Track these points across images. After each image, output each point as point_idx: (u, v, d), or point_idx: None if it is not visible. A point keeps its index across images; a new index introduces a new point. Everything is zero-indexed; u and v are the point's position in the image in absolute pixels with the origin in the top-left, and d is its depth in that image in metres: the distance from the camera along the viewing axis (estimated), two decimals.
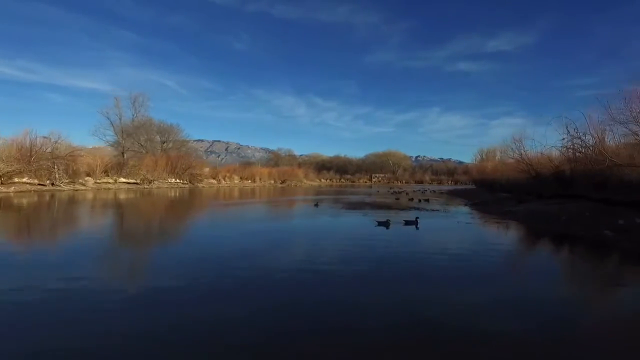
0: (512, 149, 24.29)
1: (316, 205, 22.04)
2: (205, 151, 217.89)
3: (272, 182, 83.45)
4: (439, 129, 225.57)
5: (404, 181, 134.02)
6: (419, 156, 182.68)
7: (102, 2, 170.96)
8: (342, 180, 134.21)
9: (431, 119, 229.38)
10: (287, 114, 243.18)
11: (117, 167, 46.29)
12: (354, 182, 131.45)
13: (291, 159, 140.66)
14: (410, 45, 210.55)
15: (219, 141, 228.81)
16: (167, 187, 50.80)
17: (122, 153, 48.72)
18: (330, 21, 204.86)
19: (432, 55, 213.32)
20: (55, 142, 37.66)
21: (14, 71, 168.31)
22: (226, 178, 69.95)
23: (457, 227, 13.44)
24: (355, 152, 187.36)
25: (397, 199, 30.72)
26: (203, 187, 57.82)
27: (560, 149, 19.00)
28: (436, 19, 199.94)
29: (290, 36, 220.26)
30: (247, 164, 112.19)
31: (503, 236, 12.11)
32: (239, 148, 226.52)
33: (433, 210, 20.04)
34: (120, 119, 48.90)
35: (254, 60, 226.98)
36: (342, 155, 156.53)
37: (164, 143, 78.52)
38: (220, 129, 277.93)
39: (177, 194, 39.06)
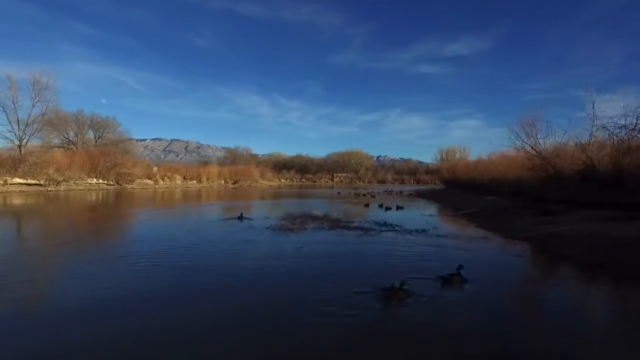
0: (516, 138, 18.28)
1: (240, 218, 14.78)
2: (163, 150, 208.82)
3: (223, 182, 74.55)
4: (401, 130, 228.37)
5: (366, 181, 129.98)
6: (380, 156, 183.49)
7: None
8: (302, 180, 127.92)
9: (393, 119, 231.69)
10: (250, 112, 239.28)
11: (10, 165, 35.95)
12: (315, 182, 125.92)
13: (249, 157, 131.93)
14: (374, 47, 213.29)
15: (178, 140, 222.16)
16: (83, 190, 40.97)
17: (19, 147, 38.14)
18: (295, 20, 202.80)
19: (395, 57, 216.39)
20: None
21: None
22: (165, 178, 60.25)
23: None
24: (320, 152, 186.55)
25: (367, 205, 24.05)
26: (133, 189, 48.24)
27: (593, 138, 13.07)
28: (399, 22, 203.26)
29: (254, 34, 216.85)
30: (204, 163, 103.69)
31: None
32: (199, 147, 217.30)
33: (435, 234, 13.60)
34: (14, 103, 37.90)
35: (217, 58, 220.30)
36: (304, 154, 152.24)
37: (98, 139, 68.00)
38: (180, 128, 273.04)
39: (92, 199, 30.14)
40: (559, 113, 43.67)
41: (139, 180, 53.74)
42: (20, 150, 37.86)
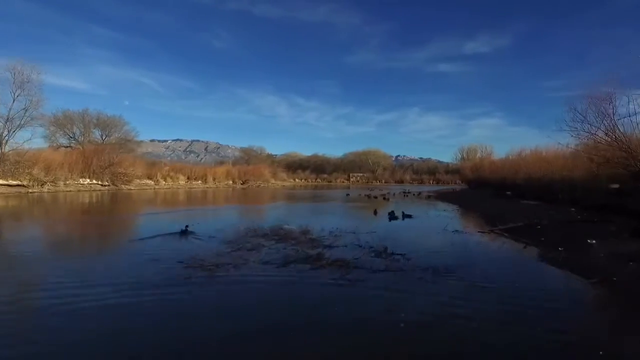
0: (575, 122, 12.94)
1: (184, 232, 10.47)
2: (184, 151, 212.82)
3: (231, 182, 70.99)
4: (419, 129, 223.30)
5: (383, 181, 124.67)
6: (399, 156, 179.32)
7: None
8: (318, 180, 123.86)
9: (411, 118, 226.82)
10: (267, 113, 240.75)
11: None
12: (330, 182, 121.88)
13: (265, 157, 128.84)
14: (391, 47, 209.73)
15: (198, 141, 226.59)
16: (71, 191, 37.86)
17: (0, 144, 35.29)
18: (312, 21, 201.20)
19: (412, 56, 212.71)
20: None
21: None
22: (167, 178, 57.02)
23: None
24: (337, 152, 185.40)
25: (375, 212, 19.33)
26: (130, 190, 45.03)
27: None
28: (416, 21, 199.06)
29: (271, 35, 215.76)
30: (220, 163, 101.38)
31: None
32: (218, 148, 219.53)
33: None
34: None
35: (235, 59, 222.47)
36: (320, 154, 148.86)
37: (104, 138, 66.00)
38: (200, 129, 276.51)
39: (80, 201, 26.81)
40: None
41: (138, 180, 50.60)
42: (1, 148, 34.97)
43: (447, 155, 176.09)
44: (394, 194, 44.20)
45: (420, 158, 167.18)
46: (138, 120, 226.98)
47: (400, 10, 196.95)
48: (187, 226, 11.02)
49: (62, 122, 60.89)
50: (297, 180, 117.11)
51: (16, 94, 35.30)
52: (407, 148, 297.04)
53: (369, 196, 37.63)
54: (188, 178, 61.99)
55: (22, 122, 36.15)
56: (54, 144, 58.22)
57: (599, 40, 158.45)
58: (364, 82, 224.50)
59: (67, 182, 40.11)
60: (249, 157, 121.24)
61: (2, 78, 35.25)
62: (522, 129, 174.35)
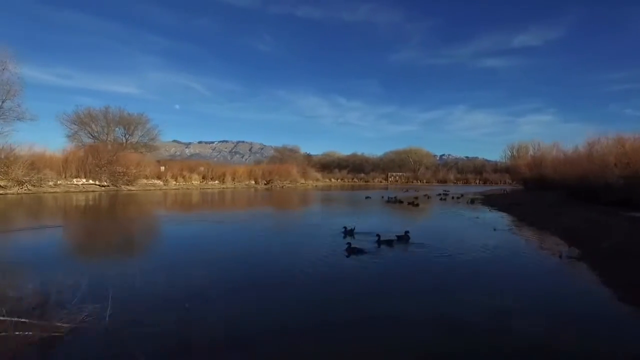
0: None
1: None
2: (229, 152, 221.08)
3: (252, 182, 65.88)
4: (465, 127, 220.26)
5: (424, 181, 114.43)
6: (444, 155, 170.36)
7: (132, 8, 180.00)
8: (354, 180, 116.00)
9: (457, 116, 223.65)
10: (309, 114, 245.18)
11: None
12: (367, 181, 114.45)
13: (301, 157, 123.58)
14: (434, 43, 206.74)
15: (242, 142, 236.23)
16: (59, 192, 34.09)
17: None
18: (353, 20, 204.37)
19: (456, 52, 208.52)
20: None
21: (54, 78, 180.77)
22: (179, 178, 52.78)
23: None
24: (378, 152, 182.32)
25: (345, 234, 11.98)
26: (132, 191, 40.89)
27: None
28: (460, 15, 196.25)
29: (313, 36, 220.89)
30: (258, 163, 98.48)
31: None
32: (262, 148, 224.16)
33: None
34: None
35: (277, 61, 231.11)
36: (360, 153, 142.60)
37: (128, 137, 64.22)
38: (244, 130, 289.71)
39: (68, 205, 22.57)
40: None
41: (145, 180, 46.65)
42: None
43: (494, 154, 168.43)
44: (428, 197, 36.01)
45: (467, 157, 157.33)
46: (186, 122, 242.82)
47: (443, 5, 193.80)
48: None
49: (84, 121, 59.35)
50: (332, 180, 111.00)
51: None
52: (452, 147, 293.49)
53: (394, 200, 29.93)
54: (203, 177, 57.50)
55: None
56: (79, 143, 56.88)
57: None
58: (407, 81, 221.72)
59: (58, 183, 36.63)
60: (282, 156, 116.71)
61: None
62: (577, 125, 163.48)
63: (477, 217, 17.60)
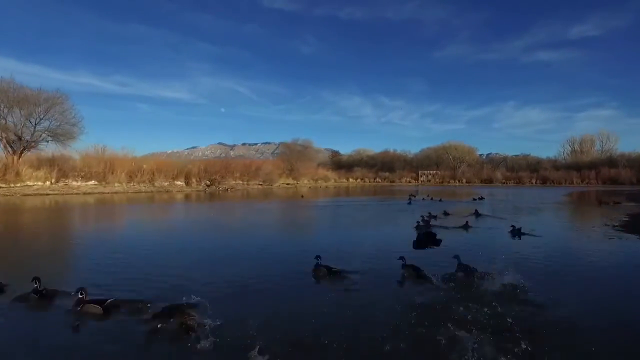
0: None
1: None
2: (272, 153, 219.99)
3: (182, 183, 50.31)
4: (516, 124, 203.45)
5: (464, 180, 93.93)
6: (490, 153, 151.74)
7: (183, 17, 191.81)
8: (376, 180, 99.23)
9: (506, 113, 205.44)
10: (353, 114, 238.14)
11: None
12: (393, 181, 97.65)
13: (312, 152, 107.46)
14: (483, 38, 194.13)
15: (285, 143, 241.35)
16: None
17: None
18: (398, 19, 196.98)
19: (506, 46, 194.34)
20: None
21: (111, 86, 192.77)
22: (80, 178, 37.58)
23: None
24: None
25: None
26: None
27: None
28: (511, 7, 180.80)
29: (357, 37, 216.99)
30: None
31: None
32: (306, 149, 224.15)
33: None
34: None
35: (321, 62, 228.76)
36: (391, 150, 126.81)
37: (35, 122, 44.24)
38: (289, 132, 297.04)
39: None
40: None
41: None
42: None
43: (547, 152, 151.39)
44: (445, 214, 18.13)
45: (515, 156, 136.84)
46: (233, 126, 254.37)
47: None
48: None
49: None
50: (350, 180, 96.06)
51: None
52: (500, 145, 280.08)
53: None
54: (130, 177, 41.98)
55: None
56: None
57: None
58: (453, 78, 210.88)
59: None
60: (290, 152, 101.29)
61: None
62: None
63: None
